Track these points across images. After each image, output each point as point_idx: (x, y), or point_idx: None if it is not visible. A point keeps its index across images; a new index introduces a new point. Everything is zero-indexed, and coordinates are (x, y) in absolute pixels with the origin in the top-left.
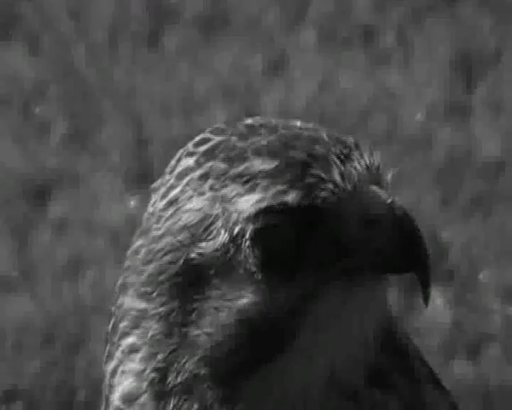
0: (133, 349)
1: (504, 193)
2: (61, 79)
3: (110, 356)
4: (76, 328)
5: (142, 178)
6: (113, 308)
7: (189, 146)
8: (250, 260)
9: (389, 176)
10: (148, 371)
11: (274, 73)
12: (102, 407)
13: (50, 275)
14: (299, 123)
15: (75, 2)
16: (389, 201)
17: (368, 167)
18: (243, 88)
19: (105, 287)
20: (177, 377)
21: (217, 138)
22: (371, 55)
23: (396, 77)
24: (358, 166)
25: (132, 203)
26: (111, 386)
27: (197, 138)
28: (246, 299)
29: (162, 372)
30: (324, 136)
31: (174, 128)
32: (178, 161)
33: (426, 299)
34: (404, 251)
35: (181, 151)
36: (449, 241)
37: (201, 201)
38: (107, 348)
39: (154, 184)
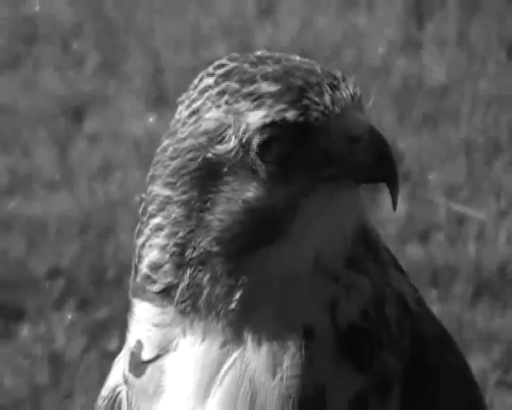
0: (159, 227)
1: (448, 111)
2: (94, 20)
3: (140, 232)
4: (106, 219)
5: (159, 99)
6: (143, 195)
7: (210, 69)
8: (257, 163)
9: (368, 104)
10: (170, 245)
11: (264, 16)
12: (132, 273)
13: (85, 177)
14: (298, 57)
15: None
16: (368, 123)
17: (352, 96)
18: (240, 28)
19: (129, 186)
20: (193, 252)
21: (232, 64)
22: (343, 1)
23: (362, 18)
24: (345, 95)
25: (151, 120)
26: (140, 256)
27: (216, 63)
28: (251, 192)
29: (181, 247)
30: (318, 69)
31: (184, 60)
32: (201, 79)
33: (394, 204)
34: (378, 164)
35: (203, 72)
36: (404, 149)
37: (218, 112)
38: (138, 226)
39: (180, 98)
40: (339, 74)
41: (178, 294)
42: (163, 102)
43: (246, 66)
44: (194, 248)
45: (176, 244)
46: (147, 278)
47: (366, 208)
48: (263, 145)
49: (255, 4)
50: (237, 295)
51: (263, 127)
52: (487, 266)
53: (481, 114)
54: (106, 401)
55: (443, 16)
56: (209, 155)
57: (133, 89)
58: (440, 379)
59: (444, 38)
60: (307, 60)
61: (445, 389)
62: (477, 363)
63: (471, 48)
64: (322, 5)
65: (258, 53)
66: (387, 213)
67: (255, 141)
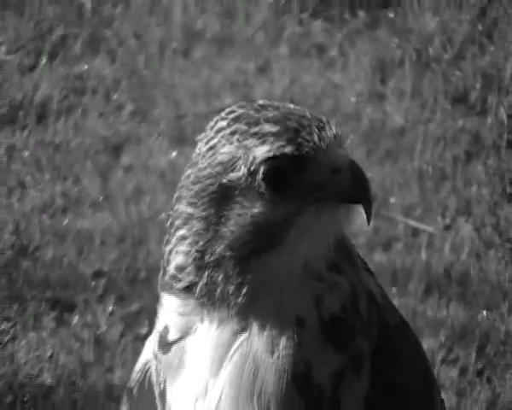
0: (183, 238)
1: (405, 148)
2: (129, 77)
3: (168, 242)
4: (139, 232)
5: (180, 139)
6: (170, 212)
7: (223, 114)
8: (262, 187)
9: (347, 142)
10: (192, 251)
11: (262, 74)
12: (161, 274)
13: (122, 200)
14: (292, 105)
15: (138, 29)
16: (348, 156)
17: (335, 135)
18: (242, 82)
19: (157, 207)
20: (210, 257)
21: (240, 110)
22: (323, 62)
23: (338, 76)
24: (329, 134)
25: (173, 155)
26: (168, 260)
27: (227, 110)
28: (257, 210)
29: (201, 253)
30: (308, 114)
31: (199, 108)
32: (216, 122)
33: (368, 220)
34: (356, 189)
35: (217, 117)
36: (371, 178)
37: (231, 147)
38: (166, 236)
39: (199, 137)
40: (324, 118)
41: (198, 290)
42: (183, 141)
43: (251, 112)
44: (212, 254)
45: (197, 251)
46: (173, 277)
47: (344, 224)
48: (266, 173)
49: (254, 64)
50: (244, 291)
51: (266, 159)
52: (435, 269)
53: (431, 150)
54: (139, 373)
55: (401, 74)
56: (223, 180)
57: (159, 131)
58: (401, 358)
59: (402, 91)
60: (299, 107)
61: (404, 365)
62: (427, 344)
63: (423, 99)
64: (306, 66)
65: (261, 102)
66: (358, 228)
67: (260, 170)
